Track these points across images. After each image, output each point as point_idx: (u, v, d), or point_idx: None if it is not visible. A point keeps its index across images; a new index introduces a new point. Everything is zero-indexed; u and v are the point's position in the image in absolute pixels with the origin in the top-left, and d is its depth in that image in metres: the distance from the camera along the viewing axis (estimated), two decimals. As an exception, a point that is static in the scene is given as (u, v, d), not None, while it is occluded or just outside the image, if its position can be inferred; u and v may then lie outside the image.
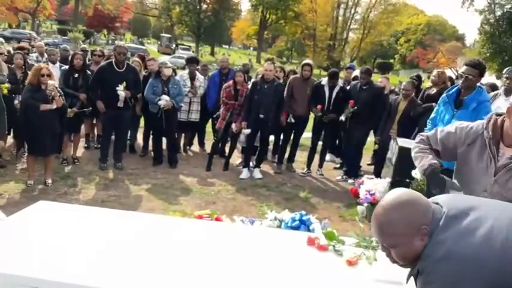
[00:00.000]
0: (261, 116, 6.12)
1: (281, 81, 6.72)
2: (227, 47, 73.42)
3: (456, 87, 3.70)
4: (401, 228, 1.35)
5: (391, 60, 61.60)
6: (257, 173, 6.42)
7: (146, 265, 1.93)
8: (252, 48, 67.93)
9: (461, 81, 3.57)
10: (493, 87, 5.97)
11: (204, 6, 51.02)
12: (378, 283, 1.74)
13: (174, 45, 48.89)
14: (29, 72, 5.67)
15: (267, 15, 51.62)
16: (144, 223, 2.45)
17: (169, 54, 38.75)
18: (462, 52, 51.27)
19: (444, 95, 3.79)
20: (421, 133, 2.56)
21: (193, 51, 45.52)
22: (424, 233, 1.33)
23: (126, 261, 1.96)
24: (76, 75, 6.09)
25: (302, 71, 6.57)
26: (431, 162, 2.22)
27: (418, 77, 7.33)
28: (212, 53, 54.13)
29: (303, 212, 3.50)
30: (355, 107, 6.17)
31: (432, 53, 50.14)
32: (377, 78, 8.23)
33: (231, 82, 6.43)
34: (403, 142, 4.67)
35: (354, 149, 6.61)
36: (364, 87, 6.28)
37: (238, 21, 62.65)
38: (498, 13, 43.86)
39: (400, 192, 1.43)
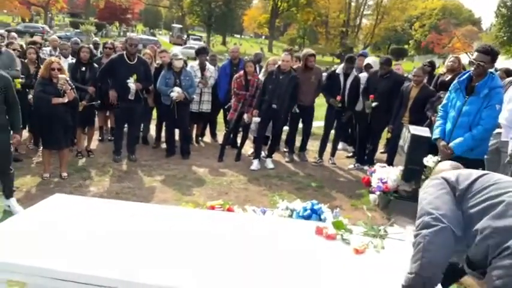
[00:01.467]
0: (274, 106, 6.10)
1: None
2: (239, 36, 73.09)
3: (468, 74, 3.66)
4: None
5: (406, 46, 60.62)
6: (269, 163, 6.43)
7: (159, 255, 1.98)
8: (263, 37, 67.46)
9: (472, 67, 3.52)
10: (508, 72, 5.85)
11: (215, -5, 50.72)
12: (386, 271, 1.75)
13: (185, 36, 48.87)
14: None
15: (279, 3, 51.12)
16: (155, 214, 2.50)
17: (180, 44, 38.81)
18: (478, 36, 50.24)
19: (455, 81, 3.74)
20: None
21: (204, 42, 45.48)
22: None
23: (139, 251, 2.01)
24: (83, 68, 6.07)
25: (307, 62, 6.47)
26: None
27: (431, 63, 7.24)
28: (224, 43, 53.98)
29: (315, 201, 3.50)
30: (377, 102, 6.07)
31: (447, 38, 49.18)
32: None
33: (241, 72, 6.41)
34: (415, 130, 4.62)
35: (373, 141, 6.55)
36: (385, 77, 6.16)
37: (249, 9, 62.26)
38: (516, -5, 42.78)
39: None
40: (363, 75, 6.75)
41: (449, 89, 3.87)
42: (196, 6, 50.02)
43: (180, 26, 52.94)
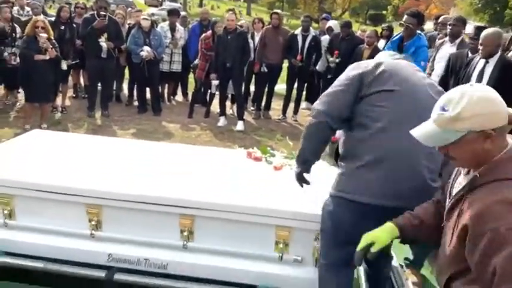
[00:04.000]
0: (228, 65, 6.31)
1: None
2: (217, -2, 71.59)
3: (399, 35, 4.17)
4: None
5: (384, 12, 60.73)
6: (239, 125, 6.62)
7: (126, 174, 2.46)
8: (242, 0, 66.34)
9: (402, 29, 4.04)
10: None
11: (192, -45, 49.43)
12: (295, 182, 2.28)
13: (161, -3, 47.75)
14: (16, 26, 6.03)
15: (257, -35, 50.29)
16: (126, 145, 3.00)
17: (156, 6, 38.01)
18: (454, 3, 50.80)
19: (389, 42, 4.26)
20: None
21: (181, 3, 44.57)
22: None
23: (112, 170, 2.48)
24: (62, 27, 6.33)
25: (271, 19, 6.98)
26: None
27: (389, 27, 7.72)
28: (201, 5, 52.95)
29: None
30: (339, 58, 6.54)
31: (424, 4, 49.52)
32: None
33: (209, 33, 6.72)
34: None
35: None
36: (346, 38, 6.67)
37: (227, -29, 60.90)
38: (491, -38, 43.10)
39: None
40: (325, 38, 7.22)
41: (384, 48, 4.40)
42: (173, -33, 48.66)
43: (156, -13, 51.59)
